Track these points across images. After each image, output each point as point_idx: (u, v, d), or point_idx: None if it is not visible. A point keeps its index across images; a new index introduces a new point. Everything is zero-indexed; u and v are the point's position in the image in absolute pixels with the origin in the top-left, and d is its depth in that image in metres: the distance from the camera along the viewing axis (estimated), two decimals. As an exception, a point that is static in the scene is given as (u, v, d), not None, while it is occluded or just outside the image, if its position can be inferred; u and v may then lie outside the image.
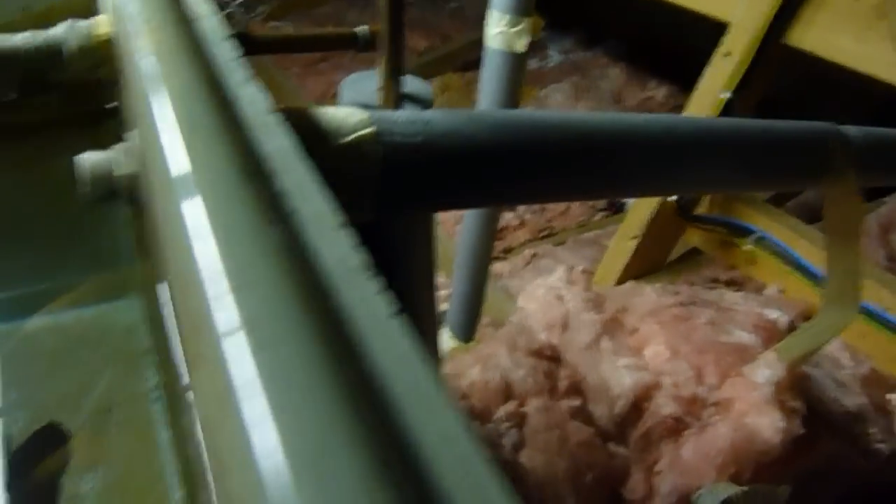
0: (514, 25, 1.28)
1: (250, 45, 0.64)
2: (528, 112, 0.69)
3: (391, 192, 0.64)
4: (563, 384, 1.06)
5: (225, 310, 0.23)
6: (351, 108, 0.62)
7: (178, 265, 0.28)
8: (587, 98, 2.67)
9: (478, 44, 3.00)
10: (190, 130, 0.33)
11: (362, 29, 0.69)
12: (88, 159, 0.55)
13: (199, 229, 0.27)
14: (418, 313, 0.78)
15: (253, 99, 0.40)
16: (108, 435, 0.92)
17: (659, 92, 2.76)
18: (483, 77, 1.38)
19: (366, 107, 0.63)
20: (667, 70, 2.77)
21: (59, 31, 0.62)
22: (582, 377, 1.07)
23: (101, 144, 0.65)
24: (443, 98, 2.69)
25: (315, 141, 0.57)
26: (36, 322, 1.02)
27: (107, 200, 0.57)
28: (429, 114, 0.64)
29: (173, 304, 0.32)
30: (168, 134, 0.33)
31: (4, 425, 0.91)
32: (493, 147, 0.66)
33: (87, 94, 0.83)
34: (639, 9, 2.32)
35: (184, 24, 0.45)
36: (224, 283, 0.24)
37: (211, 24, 0.46)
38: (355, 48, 0.71)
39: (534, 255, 1.90)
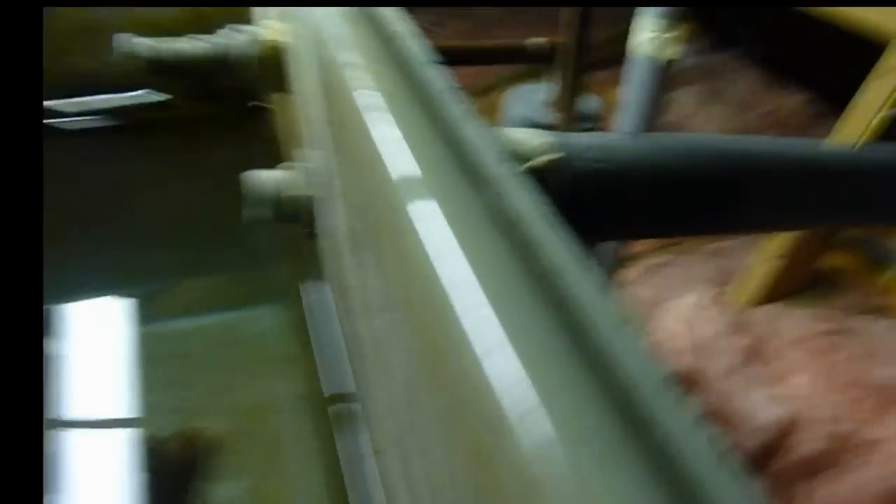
0: (666, 31, 1.19)
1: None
2: (716, 137, 0.62)
3: (571, 222, 0.59)
4: (702, 411, 0.98)
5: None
6: (531, 131, 0.57)
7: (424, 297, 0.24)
8: (716, 103, 2.50)
9: (607, 44, 2.89)
10: (425, 170, 0.28)
11: (536, 42, 0.63)
12: (257, 179, 0.52)
13: (460, 283, 0.23)
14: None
15: (477, 132, 0.35)
16: (251, 442, 0.91)
17: (792, 100, 2.56)
18: (626, 85, 1.30)
19: (537, 125, 0.57)
20: (802, 77, 2.56)
21: (225, 37, 0.60)
22: (719, 406, 0.98)
23: (247, 140, 0.62)
24: (564, 98, 2.60)
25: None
26: (181, 324, 1.03)
27: (273, 221, 0.54)
28: (613, 138, 0.58)
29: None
30: (404, 172, 0.28)
31: (147, 428, 0.91)
32: (683, 175, 0.59)
33: (236, 92, 0.82)
34: (776, 12, 2.15)
35: (389, 42, 0.40)
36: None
37: (412, 45, 0.41)
38: (528, 61, 0.65)
39: (660, 264, 1.80)
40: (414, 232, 0.26)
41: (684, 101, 2.51)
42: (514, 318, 0.23)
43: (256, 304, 1.06)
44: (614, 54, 2.86)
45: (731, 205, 0.60)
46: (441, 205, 0.27)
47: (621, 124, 1.01)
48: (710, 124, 2.45)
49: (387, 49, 0.38)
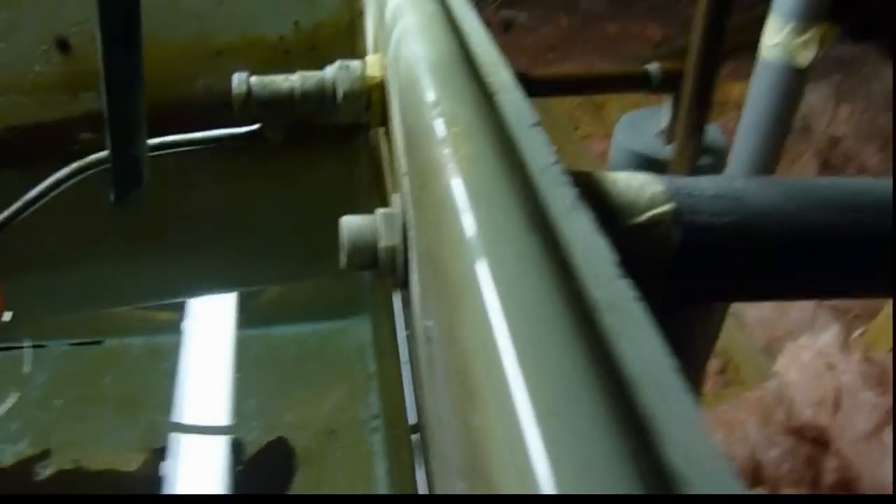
0: (799, 35, 1.07)
1: (527, 86, 0.55)
2: (868, 182, 0.53)
3: (684, 282, 0.52)
4: (829, 478, 0.87)
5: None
6: (643, 177, 0.51)
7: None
8: (852, 101, 2.29)
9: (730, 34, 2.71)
10: (496, 237, 0.24)
11: (655, 67, 0.56)
12: (354, 226, 0.49)
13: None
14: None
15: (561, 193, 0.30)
16: (331, 458, 0.91)
17: (941, 96, 2.30)
18: (753, 92, 1.19)
19: (650, 161, 0.51)
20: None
21: (331, 73, 0.57)
22: (856, 474, 0.87)
23: (347, 161, 0.60)
24: (677, 95, 2.46)
25: (603, 219, 0.47)
26: (277, 331, 1.04)
27: (366, 269, 0.51)
28: (740, 185, 0.51)
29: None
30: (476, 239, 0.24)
31: (238, 433, 0.93)
32: (824, 230, 0.51)
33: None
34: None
35: (486, 99, 0.36)
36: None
37: (515, 100, 0.37)
38: (647, 89, 0.58)
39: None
40: (477, 299, 0.23)
41: (812, 97, 2.30)
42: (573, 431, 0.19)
43: (353, 315, 1.06)
44: (735, 45, 2.69)
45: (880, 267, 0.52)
46: (511, 286, 0.23)
47: (743, 141, 0.91)
48: (843, 125, 2.24)
49: (482, 99, 0.34)
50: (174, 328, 1.01)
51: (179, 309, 1.04)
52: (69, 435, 0.93)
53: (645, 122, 0.66)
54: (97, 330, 1.03)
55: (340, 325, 1.05)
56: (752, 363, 1.17)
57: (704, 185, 0.53)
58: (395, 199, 0.50)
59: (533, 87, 0.58)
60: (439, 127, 0.29)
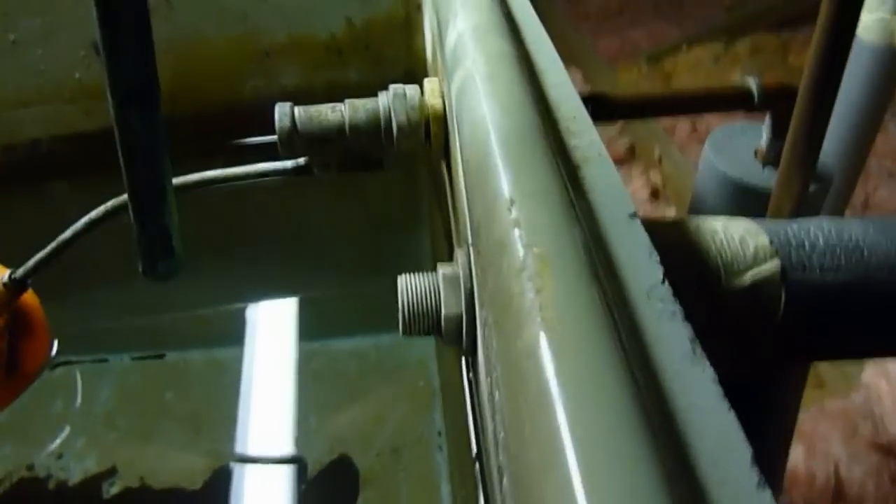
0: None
1: (608, 108, 0.47)
2: None
3: (783, 343, 0.46)
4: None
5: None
6: (745, 225, 0.43)
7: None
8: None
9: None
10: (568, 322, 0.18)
11: (758, 83, 0.47)
12: (410, 291, 0.43)
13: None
14: (772, 472, 0.57)
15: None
16: (395, 478, 0.87)
17: None
18: (847, 74, 1.05)
19: (746, 189, 0.43)
20: None
21: (385, 101, 0.49)
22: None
23: (408, 172, 0.53)
24: (752, 62, 2.28)
25: (701, 280, 0.39)
26: (339, 344, 0.99)
27: (426, 335, 0.45)
28: (857, 230, 0.42)
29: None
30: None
31: (300, 451, 0.89)
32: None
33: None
34: None
35: (572, 183, 0.28)
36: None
37: (605, 177, 0.29)
38: (748, 107, 0.49)
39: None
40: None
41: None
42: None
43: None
44: (809, 9, 2.45)
45: None
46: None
47: (832, 129, 0.78)
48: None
49: (566, 185, 0.26)
50: (235, 341, 0.97)
51: (239, 320, 1.01)
52: (134, 452, 0.91)
53: (739, 139, 0.56)
54: (158, 342, 1.00)
55: (401, 339, 0.99)
56: (836, 367, 1.06)
57: (815, 232, 0.44)
58: (460, 256, 0.43)
59: (615, 109, 0.50)
60: (517, 245, 0.22)
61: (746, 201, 0.55)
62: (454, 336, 0.42)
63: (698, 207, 0.59)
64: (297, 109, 0.49)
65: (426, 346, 0.97)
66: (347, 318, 0.98)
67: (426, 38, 0.72)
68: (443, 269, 0.43)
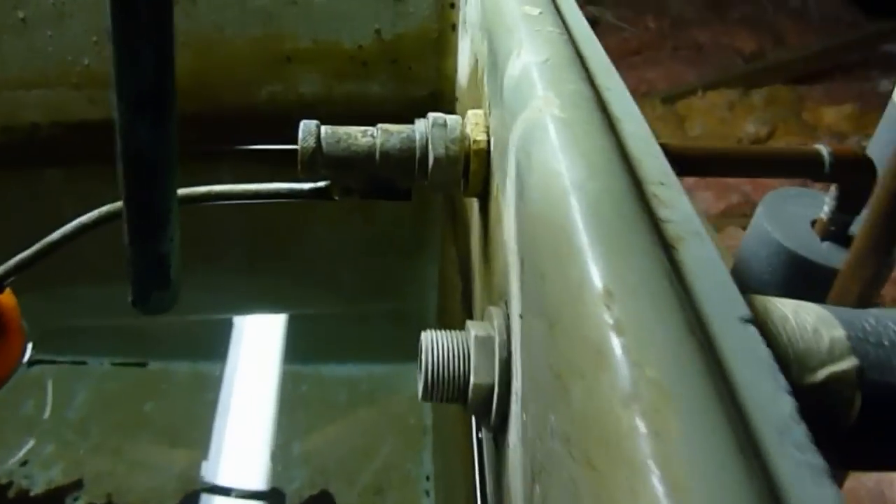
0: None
1: (671, 163, 0.42)
2: None
3: (852, 451, 0.40)
4: None
5: None
6: (816, 312, 0.38)
7: None
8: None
9: (823, 55, 2.46)
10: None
11: (829, 150, 0.42)
12: (436, 352, 0.37)
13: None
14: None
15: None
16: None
17: None
18: (884, 123, 1.01)
19: (799, 255, 0.38)
20: None
21: (423, 130, 0.44)
22: None
23: (420, 195, 0.48)
24: (766, 112, 2.25)
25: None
26: (331, 370, 0.93)
27: (448, 402, 0.39)
28: None
29: None
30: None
31: (279, 481, 0.83)
32: None
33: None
34: None
35: (672, 267, 0.23)
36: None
37: (707, 261, 0.24)
38: (816, 175, 0.44)
39: None
40: None
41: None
42: None
43: (411, 361, 0.94)
44: (827, 67, 2.44)
45: None
46: None
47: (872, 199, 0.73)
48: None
49: (668, 271, 0.21)
50: (222, 354, 0.91)
51: (228, 333, 0.95)
52: (104, 466, 0.84)
53: (795, 206, 0.52)
54: (141, 349, 0.94)
55: (396, 369, 0.93)
56: None
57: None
58: (495, 316, 0.37)
59: (672, 164, 0.45)
60: (621, 361, 0.17)
61: (800, 275, 0.50)
62: (481, 408, 0.37)
63: (743, 272, 0.54)
64: (323, 129, 0.43)
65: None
66: (341, 343, 0.93)
67: (462, 60, 0.67)
68: (475, 330, 0.37)
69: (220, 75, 0.83)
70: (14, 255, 0.93)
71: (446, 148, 0.42)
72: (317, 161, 0.43)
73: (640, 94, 2.30)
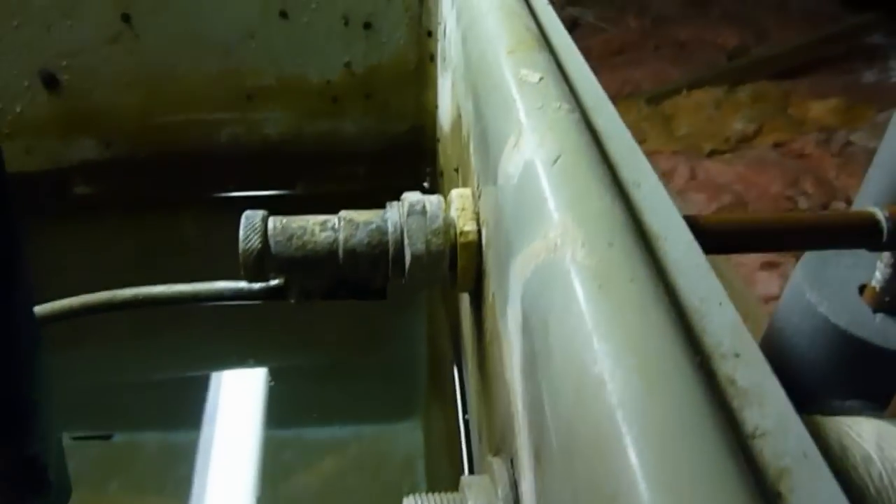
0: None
1: (699, 240, 0.33)
2: None
3: None
4: None
5: None
6: (878, 430, 0.30)
7: None
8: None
9: (806, 49, 2.38)
10: None
11: (887, 215, 0.33)
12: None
13: None
14: None
15: None
16: None
17: None
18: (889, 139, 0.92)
19: (847, 332, 0.32)
20: None
21: (395, 220, 0.34)
22: None
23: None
24: (753, 110, 2.17)
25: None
26: (313, 433, 0.84)
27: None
28: None
29: None
30: None
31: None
32: None
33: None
34: None
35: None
36: None
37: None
38: (870, 245, 0.35)
39: None
40: None
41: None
42: None
43: (401, 420, 0.85)
44: (813, 59, 2.36)
45: None
46: None
47: (877, 174, 0.60)
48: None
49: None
50: (195, 423, 0.82)
51: (202, 395, 0.85)
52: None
53: (838, 268, 0.43)
54: (105, 419, 0.84)
55: (386, 430, 0.84)
56: None
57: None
58: (496, 470, 0.28)
59: (708, 240, 0.36)
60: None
61: (855, 357, 0.41)
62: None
63: (782, 349, 0.45)
64: (271, 223, 0.34)
65: (413, 443, 0.82)
66: (324, 404, 0.83)
67: (443, 100, 0.58)
68: (474, 498, 0.28)
69: (175, 116, 0.73)
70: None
71: (427, 242, 0.33)
72: (264, 265, 0.33)
73: (625, 95, 2.21)
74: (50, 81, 0.68)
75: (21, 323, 0.20)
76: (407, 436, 0.83)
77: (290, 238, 0.33)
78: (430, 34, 0.67)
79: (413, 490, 0.79)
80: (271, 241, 0.33)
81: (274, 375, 0.85)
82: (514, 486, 0.27)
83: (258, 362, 0.85)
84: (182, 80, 0.71)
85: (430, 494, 0.29)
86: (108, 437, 0.83)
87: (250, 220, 0.33)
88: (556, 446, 0.19)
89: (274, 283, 0.37)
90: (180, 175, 0.78)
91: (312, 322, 0.85)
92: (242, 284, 0.38)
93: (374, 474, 0.81)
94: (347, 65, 0.70)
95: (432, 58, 0.67)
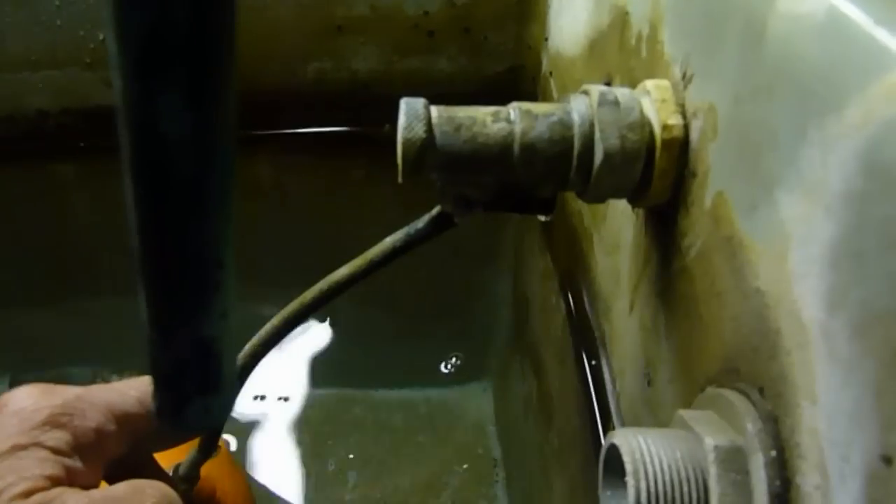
0: None
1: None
2: None
3: None
4: None
5: None
6: None
7: None
8: None
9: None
10: None
11: None
12: (651, 480, 0.22)
13: None
14: None
15: None
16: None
17: None
18: None
19: None
20: None
21: (582, 110, 0.28)
22: None
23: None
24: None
25: None
26: (385, 394, 0.78)
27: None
28: None
29: None
30: None
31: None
32: None
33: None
34: None
35: None
36: None
37: None
38: None
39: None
40: None
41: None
42: None
43: (471, 381, 0.79)
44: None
45: None
46: None
47: None
48: None
49: None
50: (272, 374, 0.77)
51: (276, 350, 0.80)
52: None
53: None
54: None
55: (458, 391, 0.79)
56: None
57: None
58: (739, 406, 0.22)
59: None
60: None
61: None
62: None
63: None
64: (435, 112, 0.28)
65: (483, 406, 0.76)
66: (400, 367, 0.78)
67: (567, 23, 0.52)
68: (713, 440, 0.22)
69: (259, 50, 0.68)
70: (17, 260, 0.79)
71: (622, 138, 0.27)
72: (425, 160, 0.28)
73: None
74: (135, 6, 0.63)
75: (214, 150, 0.14)
76: (475, 398, 0.77)
77: (458, 129, 0.28)
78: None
79: (487, 458, 0.74)
80: (436, 132, 0.27)
81: (346, 332, 0.80)
82: (772, 419, 0.21)
83: (333, 321, 0.80)
84: (269, 10, 0.66)
85: (647, 434, 0.23)
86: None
87: (412, 106, 0.27)
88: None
89: (435, 211, 0.32)
90: (259, 111, 0.73)
91: (393, 279, 0.79)
92: (407, 231, 0.33)
93: (445, 436, 0.75)
94: (449, -4, 0.64)
95: (539, -12, 0.60)
